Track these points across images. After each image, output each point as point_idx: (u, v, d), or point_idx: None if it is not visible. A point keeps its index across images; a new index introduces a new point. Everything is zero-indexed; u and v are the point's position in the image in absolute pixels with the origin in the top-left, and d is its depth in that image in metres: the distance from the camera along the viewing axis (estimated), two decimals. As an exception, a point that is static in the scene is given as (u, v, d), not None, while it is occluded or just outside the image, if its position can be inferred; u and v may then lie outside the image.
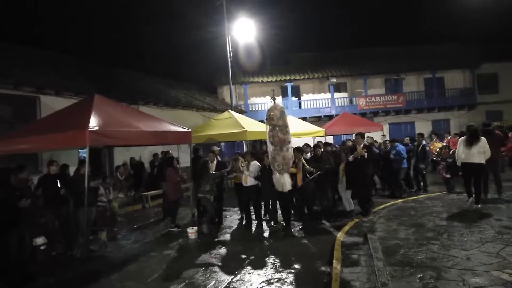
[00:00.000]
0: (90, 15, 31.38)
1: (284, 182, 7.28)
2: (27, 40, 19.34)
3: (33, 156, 10.21)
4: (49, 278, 5.60)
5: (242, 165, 8.20)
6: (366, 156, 7.80)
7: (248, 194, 8.14)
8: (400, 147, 10.13)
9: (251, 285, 4.82)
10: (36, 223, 7.18)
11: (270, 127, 7.28)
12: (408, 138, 11.72)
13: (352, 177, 7.84)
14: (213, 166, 8.29)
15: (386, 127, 22.03)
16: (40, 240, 6.65)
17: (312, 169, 7.80)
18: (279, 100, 24.49)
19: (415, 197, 9.50)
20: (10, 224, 5.76)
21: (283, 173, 7.26)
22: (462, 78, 24.50)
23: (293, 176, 7.66)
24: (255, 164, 8.08)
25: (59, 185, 7.03)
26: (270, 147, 7.31)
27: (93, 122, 6.36)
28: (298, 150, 7.87)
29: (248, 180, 8.04)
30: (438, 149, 13.72)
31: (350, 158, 7.85)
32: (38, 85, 10.62)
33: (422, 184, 10.40)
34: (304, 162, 7.88)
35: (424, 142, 10.40)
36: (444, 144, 14.91)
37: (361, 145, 7.97)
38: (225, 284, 4.92)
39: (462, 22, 31.36)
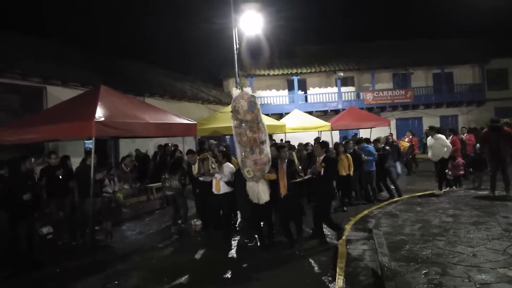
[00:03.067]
0: (95, 6, 31.38)
1: (259, 192, 5.78)
2: (33, 30, 19.40)
3: (40, 146, 10.28)
4: (55, 267, 5.65)
5: (213, 166, 6.62)
6: (322, 173, 5.86)
7: (219, 203, 6.64)
8: (370, 147, 9.42)
9: (257, 279, 4.83)
10: (42, 213, 7.23)
11: (236, 122, 5.77)
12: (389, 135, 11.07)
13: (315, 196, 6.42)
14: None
15: (393, 123, 21.85)
16: (46, 229, 6.72)
17: (301, 169, 6.10)
18: (284, 93, 24.36)
19: (421, 193, 9.41)
20: (20, 214, 5.80)
21: (256, 180, 5.78)
22: (471, 73, 24.17)
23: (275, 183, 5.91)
24: (228, 166, 6.59)
25: (60, 176, 7.02)
26: (237, 149, 5.91)
27: (99, 113, 6.37)
28: (282, 148, 6.19)
29: (221, 187, 6.53)
30: (407, 148, 13.71)
31: (308, 175, 6.07)
32: (44, 76, 10.68)
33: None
34: (296, 161, 6.16)
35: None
36: (408, 143, 14.67)
37: (321, 158, 6.02)
38: (229, 275, 4.97)
39: (471, 16, 30.86)
